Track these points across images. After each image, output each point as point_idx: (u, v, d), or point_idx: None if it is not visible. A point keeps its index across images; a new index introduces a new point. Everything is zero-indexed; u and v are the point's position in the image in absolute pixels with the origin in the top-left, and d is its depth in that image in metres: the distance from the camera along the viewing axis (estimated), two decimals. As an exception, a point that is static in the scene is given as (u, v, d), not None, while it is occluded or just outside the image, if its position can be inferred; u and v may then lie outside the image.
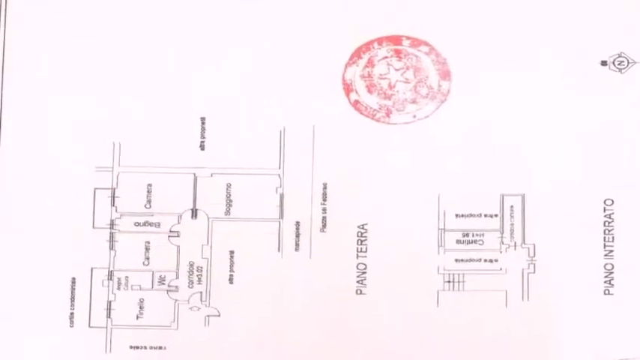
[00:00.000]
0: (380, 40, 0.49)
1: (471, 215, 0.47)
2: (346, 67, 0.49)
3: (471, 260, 0.47)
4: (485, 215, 0.47)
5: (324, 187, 0.47)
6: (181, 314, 0.47)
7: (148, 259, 0.47)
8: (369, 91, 0.48)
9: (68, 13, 0.49)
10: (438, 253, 0.47)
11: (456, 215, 0.47)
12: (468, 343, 0.47)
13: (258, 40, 0.48)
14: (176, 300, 0.47)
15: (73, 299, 0.47)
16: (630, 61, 0.49)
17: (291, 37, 0.49)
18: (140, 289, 0.47)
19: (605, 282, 0.47)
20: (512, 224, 0.47)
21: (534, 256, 0.47)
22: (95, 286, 0.47)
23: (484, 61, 0.49)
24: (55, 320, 0.47)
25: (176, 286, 0.47)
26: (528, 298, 0.47)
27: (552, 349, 0.47)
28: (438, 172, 0.48)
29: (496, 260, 0.47)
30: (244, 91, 0.49)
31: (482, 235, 0.47)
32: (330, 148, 0.48)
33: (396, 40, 0.49)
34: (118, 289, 0.47)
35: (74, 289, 0.47)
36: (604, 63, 0.49)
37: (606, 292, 0.47)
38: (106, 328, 0.47)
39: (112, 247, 0.47)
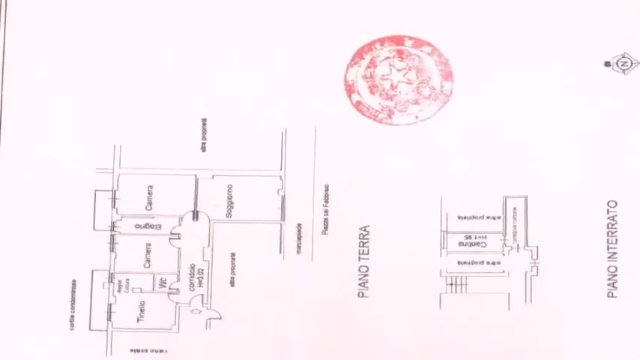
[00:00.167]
0: (382, 41, 0.47)
1: (474, 217, 0.46)
2: (348, 67, 0.48)
3: (473, 263, 0.46)
4: (488, 217, 0.46)
5: (326, 189, 0.46)
6: (182, 317, 0.46)
7: (148, 261, 0.46)
8: (371, 92, 0.47)
9: (68, 13, 0.48)
10: (441, 255, 0.46)
11: (459, 217, 0.46)
12: (470, 346, 0.46)
13: (260, 40, 0.47)
14: (177, 303, 0.46)
15: (73, 302, 0.46)
16: (634, 61, 0.48)
17: (292, 38, 0.48)
18: (141, 292, 0.46)
19: (608, 285, 0.46)
20: (514, 226, 0.46)
21: (537, 258, 0.46)
22: (96, 289, 0.46)
23: (487, 61, 0.48)
24: (56, 323, 0.46)
25: (177, 289, 0.45)
26: (531, 300, 0.46)
27: (555, 353, 0.46)
28: (440, 174, 0.47)
29: (499, 263, 0.46)
30: (245, 92, 0.48)
31: (485, 237, 0.46)
32: (331, 149, 0.47)
33: (398, 40, 0.47)
34: (119, 291, 0.45)
35: (74, 291, 0.46)
36: (607, 64, 0.48)
37: (610, 294, 0.46)
38: (107, 331, 0.45)
39: (112, 250, 0.46)
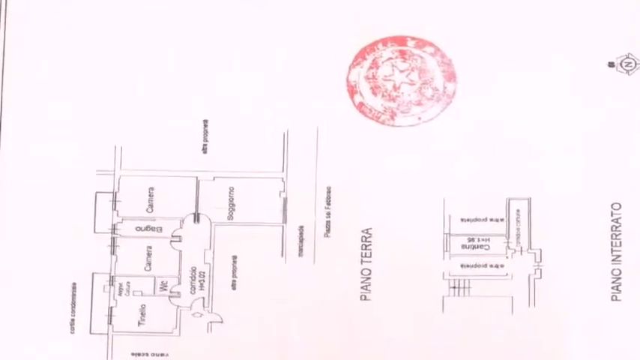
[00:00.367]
0: (385, 41, 0.46)
1: (477, 220, 0.45)
2: (350, 68, 0.46)
3: (476, 266, 0.44)
4: (491, 220, 0.45)
5: (328, 191, 0.45)
6: (183, 320, 0.45)
7: (149, 264, 0.44)
8: (374, 93, 0.45)
9: (69, 14, 0.47)
10: (444, 258, 0.44)
11: (462, 219, 0.45)
12: (473, 349, 0.44)
13: (261, 41, 0.46)
14: (178, 306, 0.44)
15: (73, 305, 0.44)
16: (638, 62, 0.47)
17: (294, 39, 0.47)
18: (142, 295, 0.44)
19: (612, 288, 0.45)
20: (518, 229, 0.45)
21: (541, 261, 0.45)
22: (96, 292, 0.45)
23: (490, 62, 0.47)
24: (56, 326, 0.45)
25: (178, 292, 0.44)
26: (535, 304, 0.45)
27: (559, 356, 0.45)
28: (443, 176, 0.46)
29: (502, 266, 0.44)
30: (247, 93, 0.46)
31: (488, 239, 0.44)
32: (334, 151, 0.46)
33: (400, 40, 0.46)
34: (120, 294, 0.44)
35: (75, 294, 0.44)
36: (611, 64, 0.47)
37: (614, 298, 0.44)
38: (107, 334, 0.44)
39: (113, 252, 0.44)
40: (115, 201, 0.46)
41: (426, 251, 0.45)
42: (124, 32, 0.47)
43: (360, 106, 0.46)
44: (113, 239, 0.45)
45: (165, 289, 0.45)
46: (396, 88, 0.46)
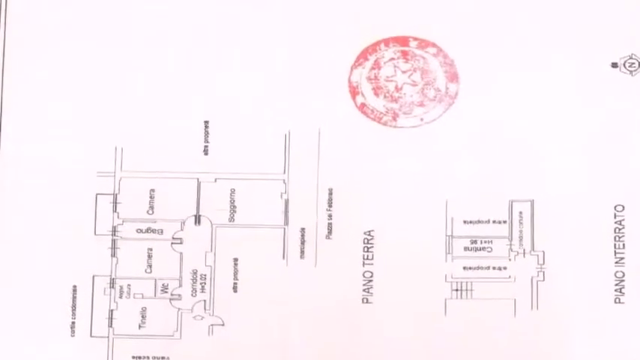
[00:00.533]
0: (387, 42, 0.45)
1: (479, 222, 0.43)
2: (352, 69, 0.45)
3: (479, 268, 0.43)
4: (494, 221, 0.43)
5: (330, 193, 0.43)
6: (184, 323, 0.44)
7: (150, 266, 0.43)
8: (376, 94, 0.44)
9: (69, 14, 0.46)
10: (446, 260, 0.43)
11: (464, 221, 0.43)
12: (476, 352, 0.44)
13: (262, 42, 0.45)
14: (179, 309, 0.43)
15: (74, 308, 0.43)
16: None
17: (295, 39, 0.45)
18: (142, 298, 0.43)
19: (615, 290, 0.43)
20: (521, 231, 0.44)
21: (544, 263, 0.44)
22: (97, 295, 0.44)
23: (492, 63, 0.46)
24: (56, 329, 0.44)
25: (179, 295, 0.43)
26: (537, 306, 0.44)
27: (561, 359, 0.42)
28: (445, 177, 0.45)
29: (505, 268, 0.43)
30: (248, 94, 0.45)
31: (491, 242, 0.43)
32: (335, 152, 0.45)
33: (403, 41, 0.44)
34: (120, 297, 0.43)
35: (75, 297, 0.43)
36: (614, 65, 0.45)
37: (617, 300, 0.43)
38: (108, 337, 0.43)
39: (113, 255, 0.43)
40: (115, 203, 0.45)
41: (428, 253, 0.44)
42: (125, 33, 0.46)
43: (362, 107, 0.45)
44: (114, 241, 0.44)
45: (166, 292, 0.44)
46: (398, 88, 0.45)
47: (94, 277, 0.44)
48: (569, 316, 0.44)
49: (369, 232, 0.44)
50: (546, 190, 0.45)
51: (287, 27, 0.46)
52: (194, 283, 0.44)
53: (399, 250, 0.44)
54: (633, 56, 0.46)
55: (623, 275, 0.44)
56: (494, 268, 0.44)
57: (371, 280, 0.44)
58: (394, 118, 0.45)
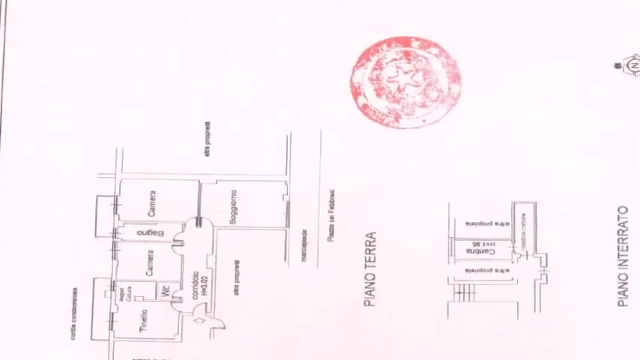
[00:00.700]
0: (389, 42, 0.43)
1: (482, 223, 0.42)
2: (354, 69, 0.44)
3: (481, 270, 0.41)
4: (496, 223, 0.42)
5: (332, 195, 0.42)
6: (185, 326, 0.42)
7: (151, 269, 0.42)
8: (378, 95, 0.43)
9: (69, 15, 0.45)
10: (448, 262, 0.42)
11: (467, 223, 0.42)
12: (478, 355, 0.43)
13: (264, 42, 0.44)
14: (180, 312, 0.42)
15: (74, 311, 0.42)
16: None
17: (297, 40, 0.44)
18: (143, 300, 0.42)
19: (619, 293, 0.42)
20: (523, 233, 0.42)
21: (546, 266, 0.42)
22: (97, 297, 0.42)
23: (495, 63, 0.44)
24: (56, 332, 0.43)
25: (180, 297, 0.41)
26: (540, 309, 0.43)
27: None
28: (447, 179, 0.44)
29: (507, 270, 0.42)
30: (250, 95, 0.44)
31: (493, 244, 0.42)
32: (337, 153, 0.43)
33: (405, 41, 0.43)
34: (121, 300, 0.41)
35: (76, 300, 0.42)
36: (618, 65, 0.44)
37: (620, 303, 0.42)
38: (109, 340, 0.42)
39: (114, 257, 0.42)
40: (116, 204, 0.43)
41: (430, 255, 0.43)
42: (125, 34, 0.44)
43: (364, 108, 0.44)
44: (114, 243, 0.43)
45: (167, 295, 0.43)
46: (400, 89, 0.44)
47: (94, 279, 0.43)
48: (573, 319, 0.43)
49: (371, 234, 0.43)
50: (549, 192, 0.44)
51: (288, 28, 0.44)
52: (195, 285, 0.43)
53: (401, 252, 0.43)
54: (636, 57, 0.44)
55: (627, 277, 0.43)
56: (496, 270, 0.43)
57: (373, 283, 0.43)
58: (396, 119, 0.44)
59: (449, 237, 0.43)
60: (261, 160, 0.44)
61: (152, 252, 0.43)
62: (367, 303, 0.43)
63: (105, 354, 0.43)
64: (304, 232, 0.43)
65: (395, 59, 0.44)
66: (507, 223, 0.43)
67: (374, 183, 0.44)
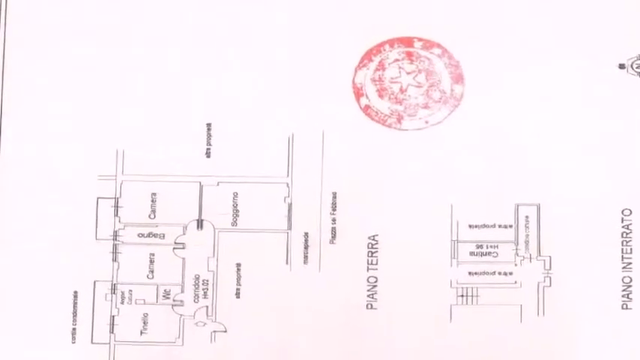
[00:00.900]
0: (391, 42, 0.42)
1: (485, 226, 0.40)
2: (356, 70, 0.43)
3: (484, 273, 0.40)
4: (500, 226, 0.41)
5: (334, 197, 0.40)
6: (187, 330, 0.41)
7: (152, 271, 0.40)
8: (380, 96, 0.41)
9: (70, 15, 0.43)
10: (451, 265, 0.40)
11: (470, 226, 0.40)
12: (481, 359, 0.38)
13: (265, 42, 0.43)
14: (181, 315, 0.40)
15: (75, 314, 0.41)
16: None
17: (299, 40, 0.43)
18: (144, 304, 0.40)
19: (623, 296, 0.41)
20: (527, 235, 0.41)
21: (550, 268, 0.41)
22: (98, 300, 0.41)
23: (498, 64, 0.43)
24: (57, 336, 0.42)
25: (181, 301, 0.40)
26: (544, 312, 0.41)
27: None
28: (450, 181, 0.43)
29: (511, 273, 0.40)
30: (251, 96, 0.43)
31: (497, 246, 0.40)
32: (339, 155, 0.42)
33: (407, 41, 0.42)
34: (122, 303, 0.40)
35: (76, 303, 0.41)
36: (622, 66, 0.43)
37: (624, 306, 0.41)
38: (109, 344, 0.41)
39: (115, 259, 0.41)
40: (116, 207, 0.42)
41: (433, 258, 0.42)
42: (126, 34, 0.43)
43: (366, 109, 0.42)
44: (115, 246, 0.42)
45: (168, 298, 0.41)
46: (402, 90, 0.42)
47: (95, 282, 0.42)
48: (576, 323, 0.42)
49: (374, 236, 0.41)
50: (553, 194, 0.42)
51: (290, 28, 0.43)
52: (196, 288, 0.41)
53: (403, 255, 0.42)
54: (641, 57, 0.43)
55: (631, 280, 0.41)
56: (500, 273, 0.41)
57: (375, 286, 0.41)
58: (399, 121, 0.42)
59: (452, 239, 0.42)
60: (262, 161, 0.42)
61: (153, 255, 0.42)
62: (369, 306, 0.42)
63: (106, 358, 0.42)
64: (306, 234, 0.42)
65: (397, 60, 0.43)
66: (510, 226, 0.42)
67: (376, 185, 0.42)
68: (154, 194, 0.42)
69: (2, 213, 0.42)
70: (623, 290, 0.42)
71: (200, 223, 0.42)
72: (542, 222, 0.42)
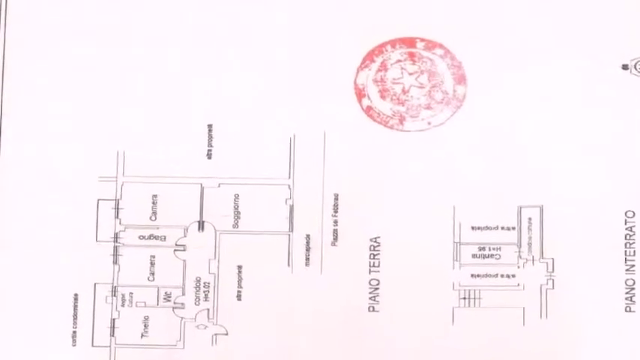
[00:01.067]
0: (393, 43, 0.41)
1: (488, 228, 0.39)
2: (358, 71, 0.41)
3: (487, 275, 0.39)
4: (502, 228, 0.40)
5: (336, 198, 0.39)
6: (188, 333, 0.40)
7: (153, 274, 0.39)
8: (382, 97, 0.40)
9: (70, 16, 0.42)
10: (453, 267, 0.39)
11: (472, 228, 0.39)
12: None
13: (267, 43, 0.42)
14: (182, 318, 0.39)
15: (75, 317, 0.40)
16: None
17: (300, 41, 0.42)
18: (145, 306, 0.39)
19: (626, 299, 0.40)
20: (530, 237, 0.40)
21: (553, 271, 0.40)
22: (98, 303, 0.40)
23: (501, 64, 0.42)
24: (57, 339, 0.41)
25: (182, 303, 0.39)
26: (547, 315, 0.40)
27: None
28: (453, 182, 0.41)
29: (513, 276, 0.39)
30: (252, 97, 0.42)
31: (499, 249, 0.39)
32: (341, 156, 0.41)
33: (409, 42, 0.41)
34: (122, 305, 0.39)
35: (76, 305, 0.40)
36: (625, 67, 0.42)
37: (628, 309, 0.40)
38: (110, 347, 0.39)
39: (115, 262, 0.40)
40: (117, 208, 0.41)
41: (435, 260, 0.41)
42: (127, 35, 0.42)
43: (368, 110, 0.41)
44: (116, 248, 0.41)
45: (169, 300, 0.40)
46: (405, 91, 0.41)
47: (95, 285, 0.41)
48: (579, 325, 0.40)
49: (376, 238, 0.40)
50: (556, 196, 0.41)
51: (291, 28, 0.42)
52: (197, 291, 0.40)
53: (405, 257, 0.41)
54: (644, 58, 0.42)
55: (634, 283, 0.40)
56: (502, 275, 0.40)
57: (377, 288, 0.40)
58: (401, 122, 0.41)
59: (454, 241, 0.41)
60: (264, 163, 0.41)
61: (154, 257, 0.41)
62: (371, 309, 0.40)
63: (106, 361, 0.40)
64: (308, 236, 0.41)
65: (400, 60, 0.42)
66: (513, 228, 0.41)
67: (378, 186, 0.41)
68: (154, 196, 0.41)
69: (2, 214, 0.41)
70: (627, 293, 0.41)
71: (201, 225, 0.41)
72: (545, 224, 0.41)
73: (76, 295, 0.41)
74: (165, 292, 0.41)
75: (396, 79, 0.42)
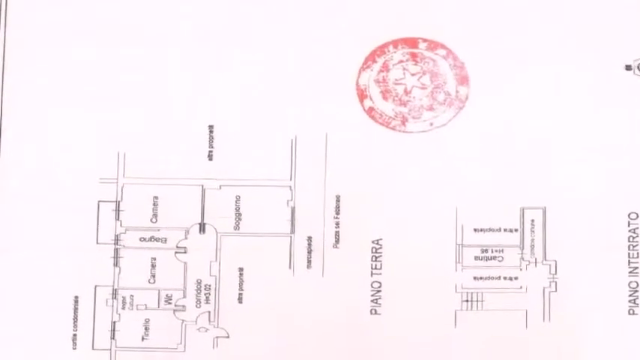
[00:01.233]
0: (395, 43, 0.40)
1: (490, 230, 0.38)
2: (360, 71, 0.41)
3: (490, 278, 0.38)
4: (505, 230, 0.39)
5: (337, 200, 0.38)
6: (189, 335, 0.39)
7: (153, 276, 0.38)
8: (384, 98, 0.39)
9: (70, 17, 0.41)
10: (456, 270, 0.38)
11: (475, 230, 0.38)
12: None
13: (268, 44, 0.41)
14: (183, 320, 0.39)
15: (75, 319, 0.39)
16: None
17: (302, 41, 0.41)
18: (146, 309, 0.38)
19: (629, 301, 0.40)
20: (532, 239, 0.39)
21: (556, 273, 0.39)
22: (99, 306, 0.39)
23: (503, 65, 0.41)
24: (57, 342, 0.40)
25: (183, 306, 0.38)
26: (549, 318, 0.39)
27: None
28: (455, 184, 0.41)
29: (516, 278, 0.38)
30: (254, 98, 0.41)
31: (502, 251, 0.38)
32: (343, 157, 0.40)
33: (412, 42, 0.40)
34: (123, 308, 0.38)
35: (77, 308, 0.39)
36: (628, 67, 0.41)
37: (631, 311, 0.39)
38: (110, 350, 0.39)
39: (116, 264, 0.39)
40: (118, 210, 0.40)
41: (437, 263, 0.40)
42: (127, 36, 0.41)
43: (370, 111, 0.40)
44: (116, 250, 0.40)
45: (169, 303, 0.39)
46: (407, 92, 0.40)
47: (96, 287, 0.40)
48: (582, 328, 0.40)
49: (378, 240, 0.39)
50: (559, 198, 0.40)
51: (293, 29, 0.41)
52: (198, 293, 0.39)
53: (408, 260, 0.40)
54: (647, 58, 0.41)
55: (637, 285, 0.39)
56: (505, 278, 0.39)
57: (379, 291, 0.39)
58: (403, 123, 0.40)
59: (457, 244, 0.40)
60: (265, 164, 0.40)
61: (155, 259, 0.40)
62: (373, 311, 0.39)
63: (107, 364, 0.39)
64: (309, 238, 0.40)
65: (402, 61, 0.41)
66: (516, 230, 0.40)
67: (380, 188, 0.40)
68: (155, 197, 0.40)
69: (2, 216, 0.40)
70: (630, 295, 0.39)
71: (202, 227, 0.40)
72: (547, 226, 0.40)
73: (76, 297, 0.40)
74: (166, 295, 0.40)
75: (398, 80, 0.41)
